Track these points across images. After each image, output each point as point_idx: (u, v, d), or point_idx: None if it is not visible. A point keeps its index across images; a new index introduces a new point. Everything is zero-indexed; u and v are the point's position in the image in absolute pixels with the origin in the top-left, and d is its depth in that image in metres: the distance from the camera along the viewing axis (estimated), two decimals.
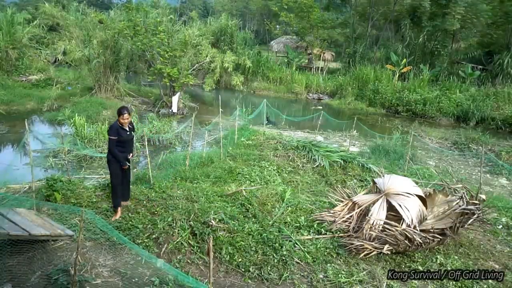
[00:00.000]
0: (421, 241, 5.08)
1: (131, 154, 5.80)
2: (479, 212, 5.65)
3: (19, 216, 4.62)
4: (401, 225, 5.25)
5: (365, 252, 5.14)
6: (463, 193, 5.92)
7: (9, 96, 14.92)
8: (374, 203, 5.76)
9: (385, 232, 5.22)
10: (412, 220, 5.28)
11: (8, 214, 4.46)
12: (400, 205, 5.46)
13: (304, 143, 10.28)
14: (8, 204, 5.07)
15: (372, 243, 5.17)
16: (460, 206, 5.62)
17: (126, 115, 5.42)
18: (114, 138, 5.38)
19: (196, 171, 8.16)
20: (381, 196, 5.76)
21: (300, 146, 10.11)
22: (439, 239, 5.23)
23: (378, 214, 5.48)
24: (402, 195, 5.65)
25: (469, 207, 5.50)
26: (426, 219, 5.65)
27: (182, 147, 11.42)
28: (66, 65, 22.27)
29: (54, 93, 15.91)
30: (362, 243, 5.15)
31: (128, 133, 5.59)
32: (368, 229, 5.24)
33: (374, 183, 6.41)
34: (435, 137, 15.04)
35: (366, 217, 5.60)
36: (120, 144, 5.47)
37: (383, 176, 6.63)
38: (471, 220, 5.50)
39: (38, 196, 5.87)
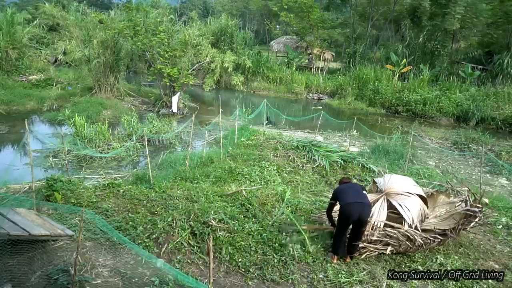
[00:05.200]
0: (422, 242, 5.07)
1: None
2: (481, 215, 5.61)
3: (19, 216, 4.61)
4: (403, 225, 5.24)
5: (366, 253, 5.14)
6: (467, 195, 5.88)
7: (9, 96, 14.91)
8: (374, 203, 5.74)
9: (386, 233, 5.19)
10: (413, 219, 5.26)
11: (8, 214, 4.45)
12: (400, 205, 5.45)
13: (304, 143, 10.27)
14: (8, 204, 5.07)
15: (374, 245, 5.15)
16: (462, 208, 5.60)
17: None
18: None
19: (196, 171, 8.16)
20: (382, 196, 5.75)
21: (300, 146, 10.11)
22: (439, 240, 5.22)
23: (379, 214, 5.46)
24: (403, 194, 5.64)
25: (472, 209, 5.47)
26: (427, 217, 5.64)
27: (182, 147, 11.42)
28: (66, 65, 22.28)
29: (54, 93, 15.92)
30: (363, 246, 5.14)
31: None
32: (369, 233, 5.22)
33: (375, 182, 6.40)
34: (435, 137, 15.03)
35: None
36: None
37: (384, 175, 6.62)
38: (473, 223, 5.47)
39: (38, 196, 5.87)
